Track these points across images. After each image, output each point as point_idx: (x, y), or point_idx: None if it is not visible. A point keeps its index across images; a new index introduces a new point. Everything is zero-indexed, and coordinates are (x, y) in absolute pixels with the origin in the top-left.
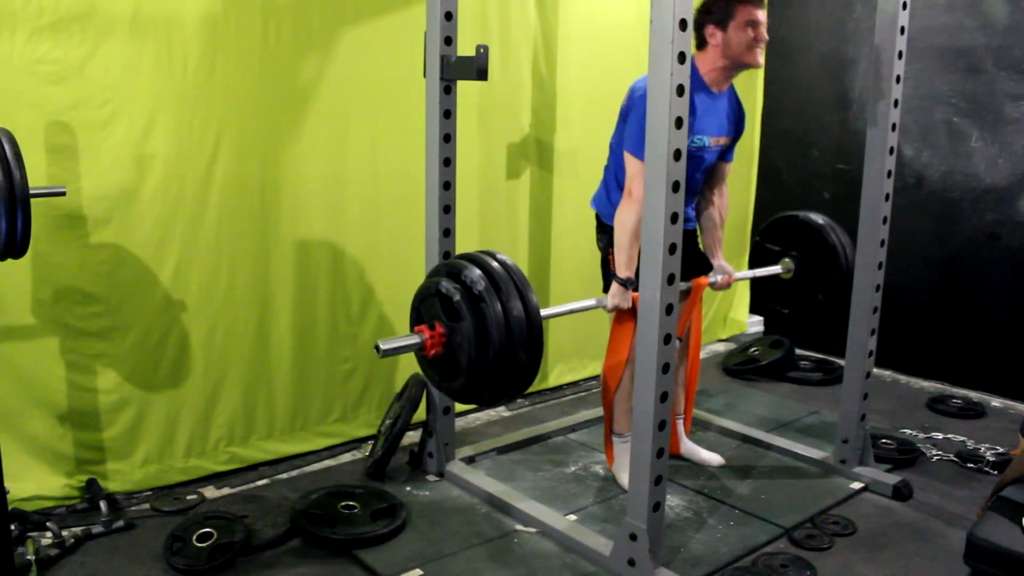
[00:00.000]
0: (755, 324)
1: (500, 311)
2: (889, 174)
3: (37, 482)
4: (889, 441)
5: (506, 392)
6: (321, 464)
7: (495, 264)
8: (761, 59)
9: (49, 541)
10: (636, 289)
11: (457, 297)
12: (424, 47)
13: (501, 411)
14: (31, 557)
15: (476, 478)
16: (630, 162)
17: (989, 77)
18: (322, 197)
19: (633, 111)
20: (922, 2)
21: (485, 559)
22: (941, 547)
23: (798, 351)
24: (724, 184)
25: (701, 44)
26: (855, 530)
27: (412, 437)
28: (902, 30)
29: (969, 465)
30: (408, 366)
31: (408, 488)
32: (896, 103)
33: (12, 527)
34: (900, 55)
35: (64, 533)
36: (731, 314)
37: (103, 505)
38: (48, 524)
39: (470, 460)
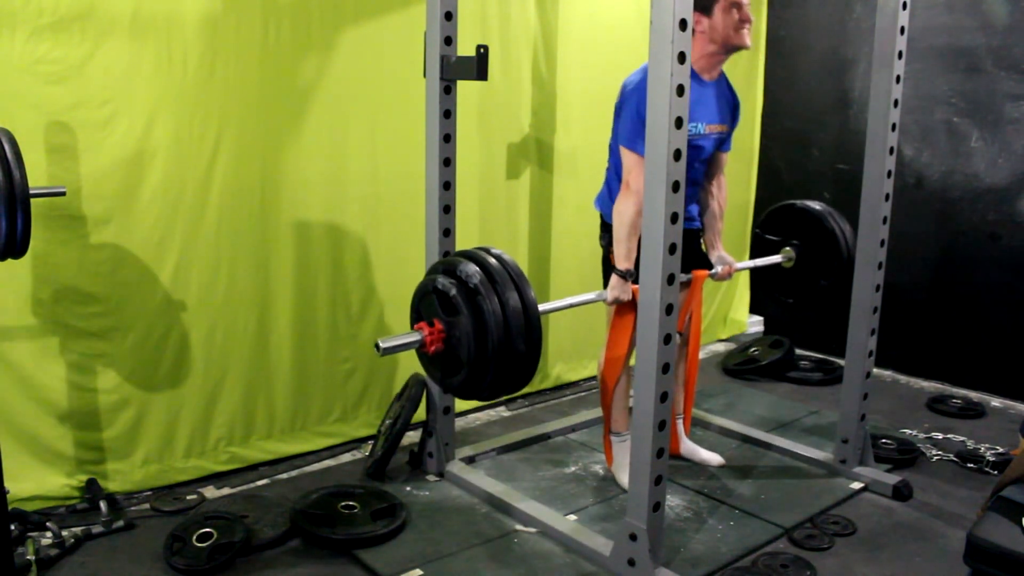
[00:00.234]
0: (755, 324)
1: (497, 303)
2: (889, 174)
3: (37, 482)
4: (889, 441)
5: (508, 385)
6: (321, 464)
7: (490, 258)
8: (749, 40)
9: (49, 541)
10: (635, 281)
11: (453, 292)
12: (424, 47)
13: (501, 411)
14: (31, 557)
15: (476, 478)
16: (626, 155)
17: (989, 77)
18: (322, 197)
19: (626, 106)
20: (922, 2)
21: (485, 559)
22: (941, 547)
23: (798, 351)
24: (722, 175)
25: None
26: (855, 530)
27: (412, 437)
28: (902, 30)
29: (969, 465)
30: (408, 366)
31: (408, 488)
32: (896, 103)
33: (12, 527)
34: (900, 55)
35: (64, 533)
36: (731, 314)
37: (103, 505)
38: (48, 524)
39: (470, 460)
